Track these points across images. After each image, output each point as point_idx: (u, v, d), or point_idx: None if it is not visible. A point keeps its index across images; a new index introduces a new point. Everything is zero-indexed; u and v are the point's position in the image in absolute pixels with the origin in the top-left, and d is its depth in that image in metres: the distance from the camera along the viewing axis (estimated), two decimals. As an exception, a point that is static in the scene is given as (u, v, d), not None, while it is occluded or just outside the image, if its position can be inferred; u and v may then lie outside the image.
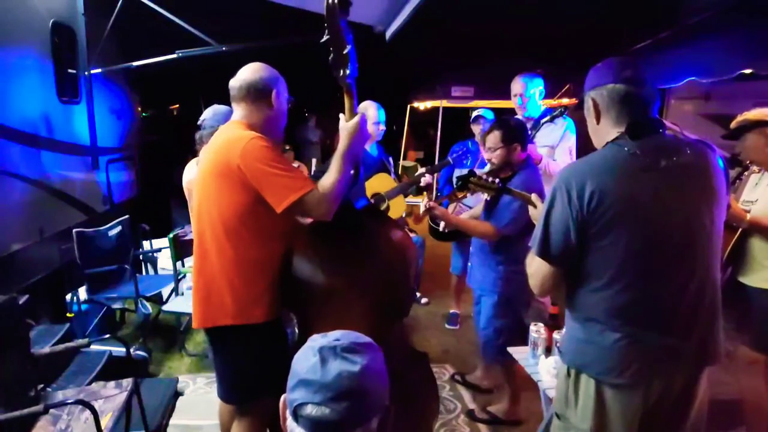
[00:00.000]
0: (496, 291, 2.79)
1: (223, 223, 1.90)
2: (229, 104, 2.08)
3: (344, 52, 1.81)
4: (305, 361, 0.92)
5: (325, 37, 1.79)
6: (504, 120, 2.79)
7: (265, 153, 1.83)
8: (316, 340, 0.95)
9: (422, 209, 3.00)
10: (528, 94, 3.22)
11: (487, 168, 2.79)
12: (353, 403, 0.88)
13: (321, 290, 1.96)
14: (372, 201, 3.38)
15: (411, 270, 2.05)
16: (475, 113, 4.33)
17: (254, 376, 2.00)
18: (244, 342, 1.97)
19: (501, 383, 3.16)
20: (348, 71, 1.83)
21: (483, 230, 2.74)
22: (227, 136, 1.94)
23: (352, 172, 1.96)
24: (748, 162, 2.56)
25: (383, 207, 3.43)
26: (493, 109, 4.45)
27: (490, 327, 2.84)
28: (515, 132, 2.68)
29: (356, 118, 1.90)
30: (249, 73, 1.96)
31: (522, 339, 2.71)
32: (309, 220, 2.09)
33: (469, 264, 3.04)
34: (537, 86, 3.25)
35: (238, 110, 1.99)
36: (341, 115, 1.93)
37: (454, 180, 4.37)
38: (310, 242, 2.02)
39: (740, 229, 2.46)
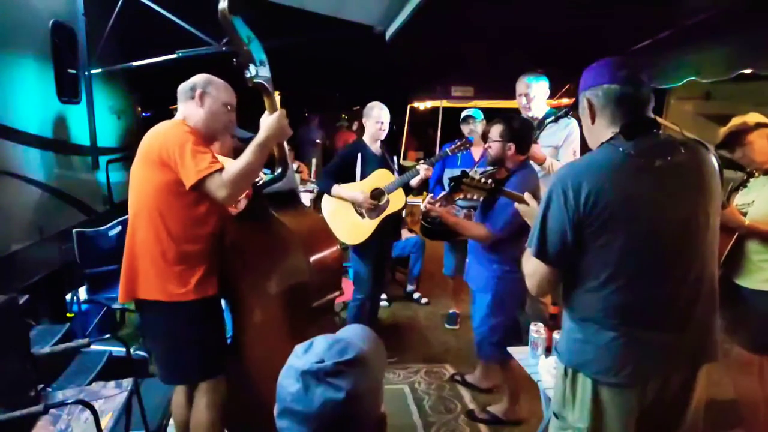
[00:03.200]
0: (490, 289, 2.81)
1: (147, 203, 2.05)
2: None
3: (244, 50, 1.91)
4: (289, 386, 0.88)
5: (225, 40, 1.87)
6: (511, 117, 2.78)
7: (183, 136, 1.99)
8: (298, 358, 0.90)
9: (422, 209, 3.03)
10: (533, 94, 3.21)
11: (487, 164, 2.81)
12: (341, 430, 0.86)
13: (241, 276, 2.18)
14: (372, 195, 3.41)
15: (320, 260, 2.20)
16: (464, 113, 4.34)
17: (185, 356, 2.14)
18: (169, 319, 2.10)
19: (500, 383, 3.17)
20: (254, 71, 1.94)
21: (477, 233, 2.76)
22: (157, 126, 2.12)
23: (280, 170, 2.14)
24: (753, 168, 2.54)
25: (383, 201, 3.44)
26: (489, 109, 4.45)
27: (485, 325, 2.86)
28: (514, 132, 2.68)
29: (277, 114, 2.00)
30: (189, 79, 2.18)
31: (516, 337, 2.73)
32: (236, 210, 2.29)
33: (467, 261, 3.06)
34: (542, 86, 3.23)
35: (179, 110, 2.20)
36: (265, 113, 2.05)
37: (446, 180, 4.37)
38: (233, 230, 2.22)
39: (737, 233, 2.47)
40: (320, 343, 0.91)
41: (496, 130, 2.72)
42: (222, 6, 1.84)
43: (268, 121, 2.01)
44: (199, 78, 2.17)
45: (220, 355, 2.21)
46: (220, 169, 1.94)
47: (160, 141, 2.01)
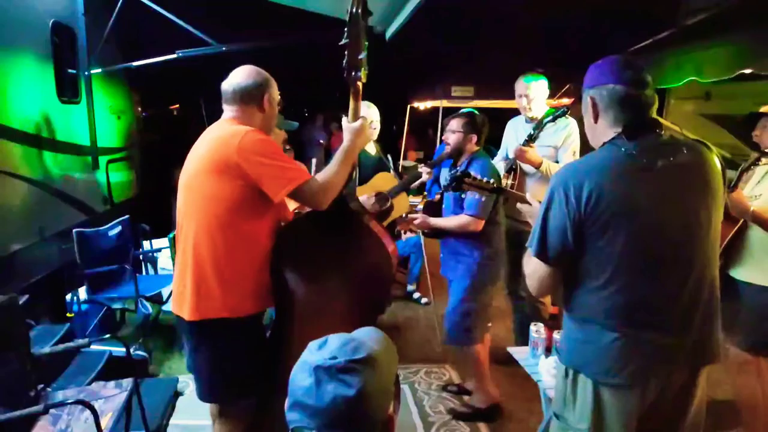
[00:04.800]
0: (469, 276, 2.90)
1: (217, 217, 1.93)
2: None
3: (359, 57, 1.94)
4: (301, 381, 0.90)
5: (344, 41, 1.92)
6: (471, 112, 3.03)
7: (262, 145, 1.91)
8: (312, 353, 0.92)
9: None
10: (533, 94, 3.20)
11: (447, 150, 3.02)
12: (349, 428, 0.87)
13: (307, 282, 2.08)
14: (376, 199, 3.40)
15: (392, 269, 2.16)
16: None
17: (234, 373, 2.04)
18: (230, 336, 2.01)
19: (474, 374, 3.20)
20: (359, 75, 1.96)
21: (462, 222, 2.86)
22: (220, 133, 1.98)
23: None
24: (764, 148, 2.52)
25: (387, 206, 3.43)
26: (489, 109, 4.45)
27: (459, 309, 2.93)
28: (476, 125, 2.91)
29: (361, 120, 2.02)
30: (242, 77, 2.02)
31: (486, 322, 2.96)
32: (303, 211, 2.20)
33: (441, 255, 3.09)
34: (541, 86, 3.23)
35: (229, 111, 2.04)
36: (344, 117, 2.04)
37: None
38: (301, 237, 2.13)
39: (740, 222, 2.44)
40: (334, 340, 0.94)
41: (457, 123, 2.94)
42: (356, 11, 1.90)
43: (354, 128, 2.01)
44: (259, 78, 2.03)
45: (259, 373, 2.10)
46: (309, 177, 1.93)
47: (233, 151, 1.87)
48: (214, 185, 1.93)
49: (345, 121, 2.05)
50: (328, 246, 2.12)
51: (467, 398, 3.22)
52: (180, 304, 2.04)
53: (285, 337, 2.18)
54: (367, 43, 1.95)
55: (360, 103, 2.05)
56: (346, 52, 1.93)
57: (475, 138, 2.91)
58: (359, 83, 1.99)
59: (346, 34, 1.92)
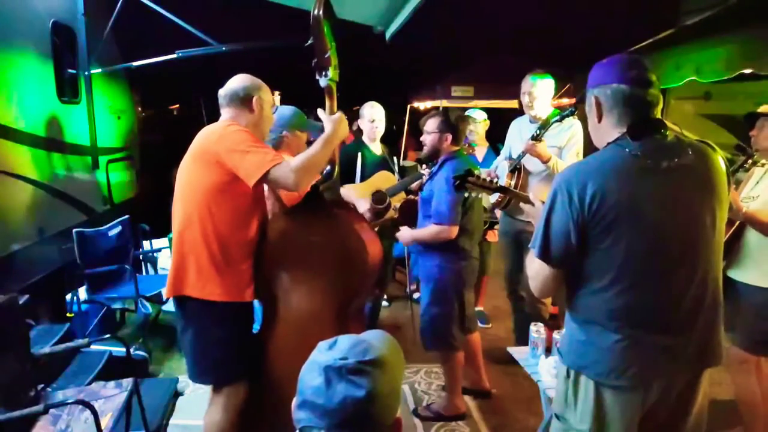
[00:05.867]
0: (432, 279, 2.88)
1: (197, 202, 2.09)
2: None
3: (326, 56, 2.04)
4: (311, 380, 0.90)
5: (309, 42, 2.02)
6: (446, 110, 3.03)
7: (239, 135, 2.03)
8: (322, 353, 0.93)
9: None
10: (536, 93, 3.19)
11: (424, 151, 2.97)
12: (358, 429, 0.88)
13: (287, 278, 2.19)
14: (373, 198, 3.40)
15: (367, 262, 2.22)
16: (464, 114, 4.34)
17: (214, 355, 2.16)
18: (205, 317, 2.13)
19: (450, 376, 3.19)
20: (329, 74, 2.06)
21: (434, 231, 2.80)
22: (209, 128, 2.14)
23: (328, 167, 2.21)
24: (755, 150, 2.53)
25: (385, 204, 3.43)
26: (489, 109, 4.44)
27: (427, 314, 2.93)
28: (450, 124, 2.86)
29: (339, 114, 2.13)
30: (234, 82, 2.20)
31: (461, 329, 2.91)
32: (287, 205, 2.32)
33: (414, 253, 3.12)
34: (546, 85, 3.22)
35: (224, 113, 2.20)
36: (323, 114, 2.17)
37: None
38: (279, 233, 2.22)
39: (736, 224, 2.45)
40: (344, 341, 0.94)
41: (432, 123, 2.88)
42: (317, 12, 1.99)
43: (334, 118, 2.13)
44: (249, 83, 2.20)
45: (246, 359, 2.23)
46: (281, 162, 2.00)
47: (215, 141, 2.04)
48: (196, 173, 2.10)
49: (325, 116, 2.15)
50: (306, 241, 2.21)
51: (433, 401, 3.21)
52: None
53: (267, 332, 2.25)
54: (334, 43, 2.03)
55: (335, 102, 2.13)
56: (314, 53, 2.03)
57: (450, 137, 2.84)
58: (331, 82, 2.08)
59: (311, 36, 2.01)
